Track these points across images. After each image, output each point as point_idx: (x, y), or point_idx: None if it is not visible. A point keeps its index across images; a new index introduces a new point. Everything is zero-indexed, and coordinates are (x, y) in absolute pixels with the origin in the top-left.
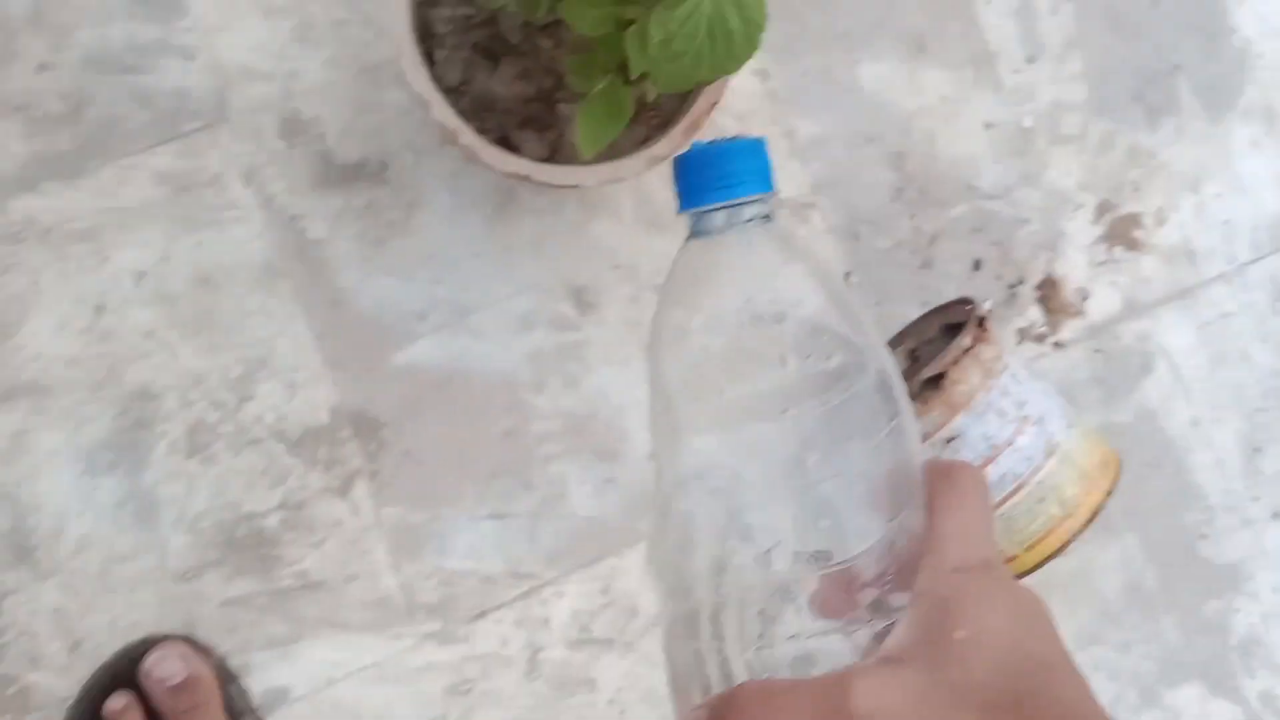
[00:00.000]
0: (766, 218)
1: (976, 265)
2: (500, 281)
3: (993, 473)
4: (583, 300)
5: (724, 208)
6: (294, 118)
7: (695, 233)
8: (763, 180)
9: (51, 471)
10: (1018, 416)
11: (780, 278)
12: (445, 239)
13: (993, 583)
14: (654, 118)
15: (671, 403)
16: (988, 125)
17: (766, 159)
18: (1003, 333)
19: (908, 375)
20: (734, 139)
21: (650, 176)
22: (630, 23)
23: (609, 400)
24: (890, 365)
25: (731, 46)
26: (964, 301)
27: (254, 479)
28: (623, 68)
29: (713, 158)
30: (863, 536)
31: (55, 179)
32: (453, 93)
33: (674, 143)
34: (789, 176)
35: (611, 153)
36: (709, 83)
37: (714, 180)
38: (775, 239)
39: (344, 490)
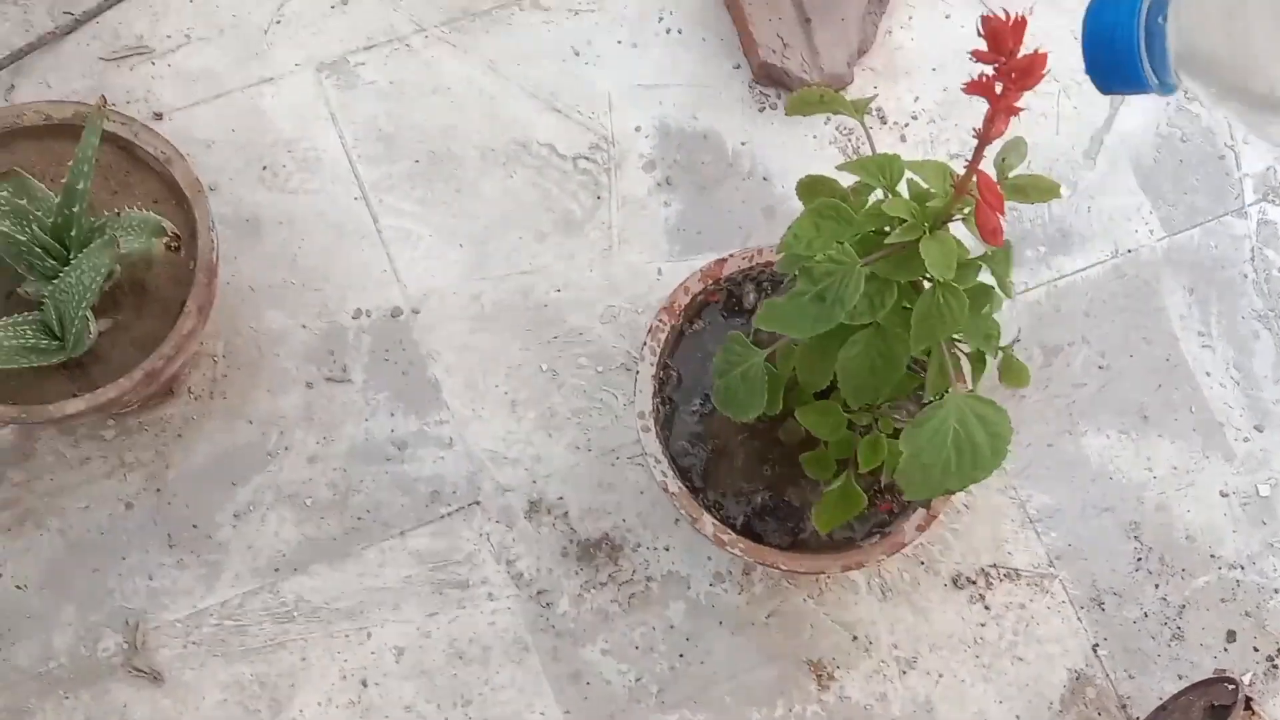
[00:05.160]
0: None
1: (1231, 636)
2: (740, 654)
3: None
4: (824, 673)
5: None
6: (540, 499)
7: None
8: None
9: None
10: None
11: None
12: (684, 611)
13: None
14: (890, 500)
15: None
16: (1223, 494)
17: None
18: (1272, 709)
19: None
20: None
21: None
22: (866, 428)
23: None
24: None
25: (978, 458)
26: (1225, 680)
27: None
28: (854, 461)
29: None
30: None
31: (323, 561)
32: (691, 480)
33: (912, 534)
34: (1024, 546)
35: (848, 531)
36: (957, 490)
37: None
38: None
39: None
